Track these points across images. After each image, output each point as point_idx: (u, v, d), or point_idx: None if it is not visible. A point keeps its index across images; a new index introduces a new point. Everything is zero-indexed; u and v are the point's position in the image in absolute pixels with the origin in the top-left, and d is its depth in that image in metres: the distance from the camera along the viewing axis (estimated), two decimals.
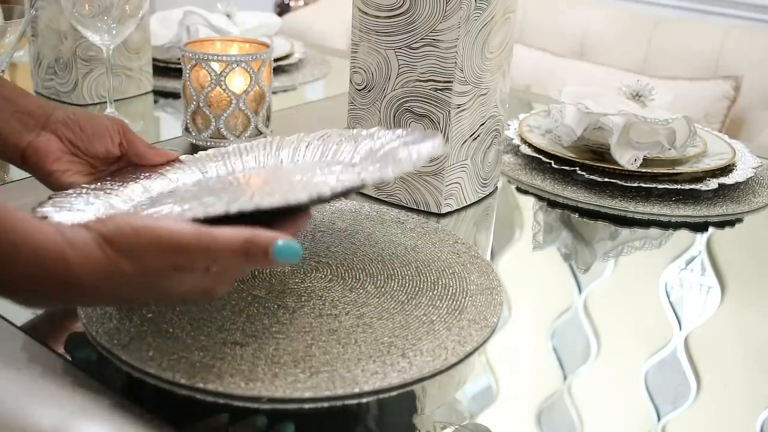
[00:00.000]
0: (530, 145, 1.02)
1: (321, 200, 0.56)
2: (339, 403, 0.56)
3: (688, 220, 0.91)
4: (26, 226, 0.49)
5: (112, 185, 0.72)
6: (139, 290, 0.52)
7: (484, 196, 0.93)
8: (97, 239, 0.50)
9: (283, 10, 3.28)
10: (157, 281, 0.51)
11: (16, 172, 0.96)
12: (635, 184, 0.94)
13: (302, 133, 0.80)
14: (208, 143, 0.98)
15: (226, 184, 0.72)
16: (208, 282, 0.53)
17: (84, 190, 0.70)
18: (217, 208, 0.57)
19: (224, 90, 0.96)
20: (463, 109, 0.85)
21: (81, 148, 0.71)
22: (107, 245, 0.50)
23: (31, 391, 0.23)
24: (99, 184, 0.72)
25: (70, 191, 0.70)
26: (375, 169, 0.63)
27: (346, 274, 0.72)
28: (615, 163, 0.95)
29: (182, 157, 0.78)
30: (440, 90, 0.84)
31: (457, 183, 0.88)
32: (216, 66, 0.95)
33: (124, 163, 0.75)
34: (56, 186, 0.70)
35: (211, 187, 0.71)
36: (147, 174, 0.74)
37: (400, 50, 0.84)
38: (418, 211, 0.88)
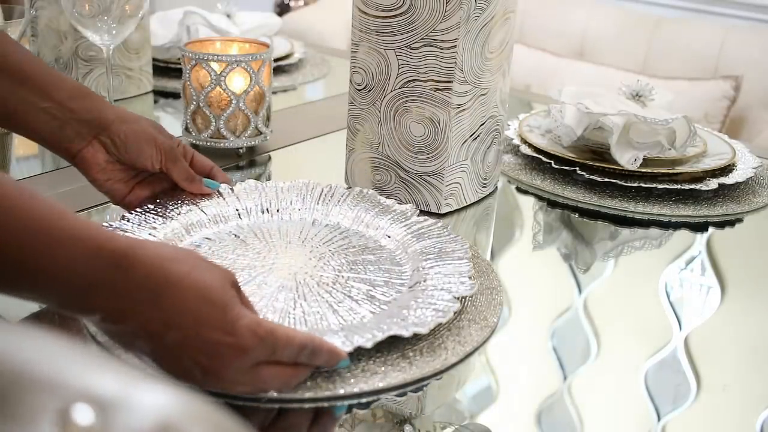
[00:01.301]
0: (530, 145, 1.02)
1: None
2: (339, 403, 0.56)
3: (688, 220, 0.91)
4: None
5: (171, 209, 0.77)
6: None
7: (484, 196, 0.93)
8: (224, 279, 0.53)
9: (283, 10, 3.28)
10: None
11: (17, 173, 0.97)
12: (635, 184, 0.94)
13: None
14: (208, 143, 0.98)
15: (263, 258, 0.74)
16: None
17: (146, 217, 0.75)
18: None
19: (224, 90, 0.96)
20: (463, 109, 0.85)
21: (125, 162, 0.76)
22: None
23: (89, 357, 0.23)
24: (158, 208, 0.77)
25: (133, 218, 0.75)
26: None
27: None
28: (615, 163, 0.95)
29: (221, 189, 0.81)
30: (440, 90, 0.84)
31: (457, 183, 0.88)
32: (216, 66, 0.95)
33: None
34: (98, 188, 0.76)
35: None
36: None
37: (400, 50, 0.84)
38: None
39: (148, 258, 0.49)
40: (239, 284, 0.54)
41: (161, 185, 0.79)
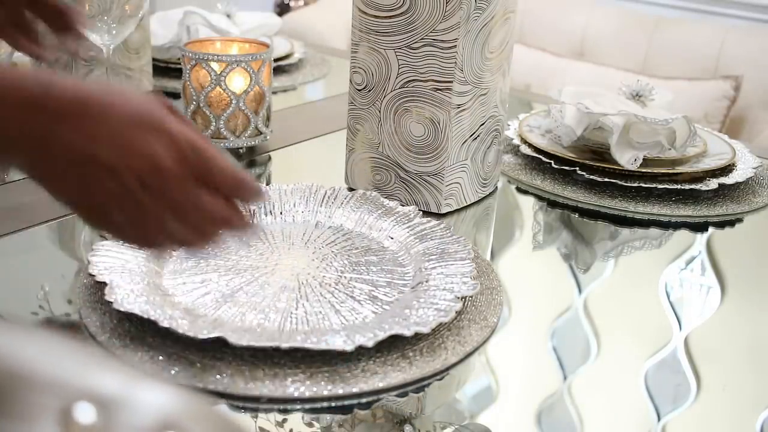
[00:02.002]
0: (530, 145, 1.02)
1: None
2: (339, 403, 0.56)
3: (688, 220, 0.91)
4: None
5: None
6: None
7: (484, 196, 0.93)
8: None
9: (283, 10, 3.28)
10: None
11: (16, 172, 0.96)
12: (635, 184, 0.94)
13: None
14: None
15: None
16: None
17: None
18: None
19: (224, 90, 0.96)
20: (463, 109, 0.85)
21: None
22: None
23: (91, 356, 0.23)
24: None
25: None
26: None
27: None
28: (615, 163, 0.95)
29: None
30: (440, 90, 0.84)
31: (457, 183, 0.88)
32: (216, 66, 0.95)
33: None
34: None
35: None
36: None
37: (400, 50, 0.84)
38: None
39: (68, 84, 0.47)
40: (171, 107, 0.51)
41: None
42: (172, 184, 0.49)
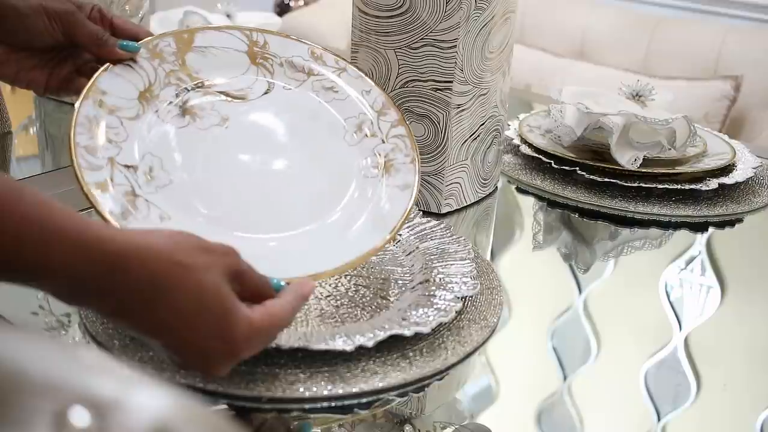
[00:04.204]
0: (530, 145, 1.02)
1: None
2: (339, 403, 0.56)
3: (688, 220, 0.91)
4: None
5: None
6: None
7: (484, 196, 0.93)
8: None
9: (283, 10, 3.28)
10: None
11: (17, 173, 0.96)
12: (635, 184, 0.94)
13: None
14: None
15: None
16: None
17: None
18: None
19: None
20: (463, 109, 0.85)
21: (20, 46, 0.66)
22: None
23: (86, 359, 0.23)
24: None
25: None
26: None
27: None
28: (615, 163, 0.95)
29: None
30: (440, 90, 0.84)
31: (457, 183, 0.88)
32: None
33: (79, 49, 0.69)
34: (17, 85, 0.68)
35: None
36: None
37: (400, 50, 0.84)
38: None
39: (141, 261, 0.48)
40: (238, 262, 0.53)
41: (82, 57, 0.69)
42: None
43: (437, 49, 0.83)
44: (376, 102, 0.74)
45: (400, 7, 0.83)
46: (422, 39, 0.83)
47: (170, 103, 0.67)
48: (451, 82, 0.83)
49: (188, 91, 0.68)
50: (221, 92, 0.69)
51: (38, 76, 0.67)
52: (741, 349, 0.70)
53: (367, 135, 0.73)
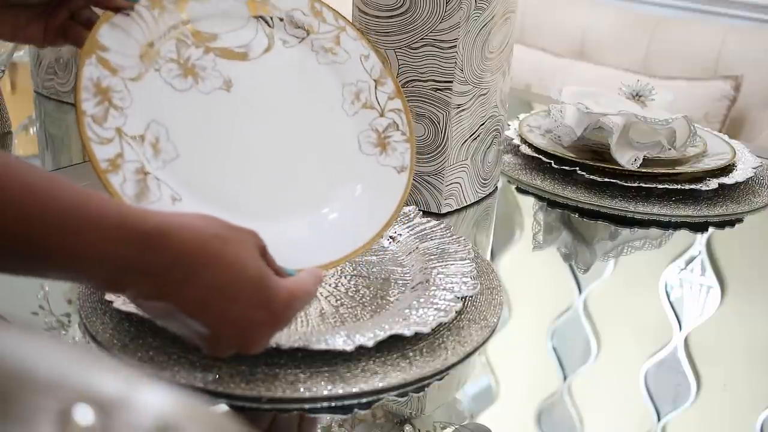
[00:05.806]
0: (530, 145, 1.02)
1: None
2: (339, 403, 0.56)
3: (688, 220, 0.91)
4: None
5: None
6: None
7: (484, 196, 0.93)
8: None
9: None
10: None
11: None
12: (635, 184, 0.94)
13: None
14: None
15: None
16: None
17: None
18: None
19: None
20: (463, 109, 0.85)
21: (14, 1, 0.63)
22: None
23: (90, 358, 0.23)
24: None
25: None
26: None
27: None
28: (615, 163, 0.95)
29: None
30: (440, 90, 0.84)
31: (457, 183, 0.88)
32: None
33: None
34: (16, 41, 0.67)
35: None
36: None
37: (400, 50, 0.84)
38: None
39: (179, 237, 0.48)
40: (262, 241, 0.54)
41: (76, 2, 0.65)
42: None
43: (437, 49, 0.83)
44: (374, 69, 0.74)
45: (400, 7, 0.83)
46: (422, 39, 0.83)
47: (171, 60, 0.64)
48: (451, 82, 0.83)
49: (189, 46, 0.66)
50: (222, 48, 0.68)
51: (35, 31, 0.64)
52: (741, 349, 0.70)
53: (365, 105, 0.72)
